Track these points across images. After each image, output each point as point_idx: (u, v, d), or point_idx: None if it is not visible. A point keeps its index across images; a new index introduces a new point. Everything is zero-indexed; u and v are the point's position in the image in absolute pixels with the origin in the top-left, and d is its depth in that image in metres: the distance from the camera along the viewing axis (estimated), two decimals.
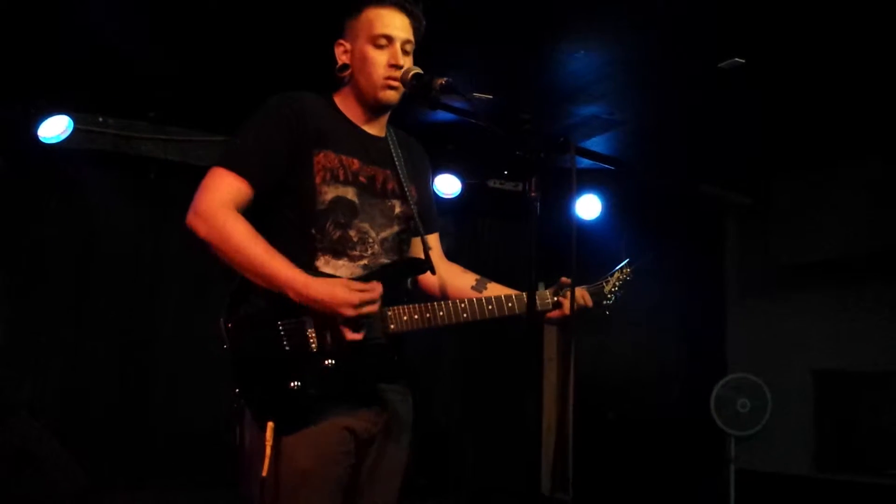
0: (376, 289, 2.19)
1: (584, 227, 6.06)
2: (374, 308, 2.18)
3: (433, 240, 2.59)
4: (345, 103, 2.42)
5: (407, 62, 2.35)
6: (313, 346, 2.19)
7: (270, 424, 2.11)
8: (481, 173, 6.14)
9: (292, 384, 2.17)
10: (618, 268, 2.59)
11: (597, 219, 6.17)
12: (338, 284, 2.17)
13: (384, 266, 2.34)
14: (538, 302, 2.39)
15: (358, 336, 2.17)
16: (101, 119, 5.12)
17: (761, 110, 4.89)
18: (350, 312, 2.14)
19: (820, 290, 6.03)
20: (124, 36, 4.09)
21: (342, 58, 2.40)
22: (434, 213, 2.64)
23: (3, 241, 5.02)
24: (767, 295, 6.42)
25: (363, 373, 2.24)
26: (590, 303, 2.52)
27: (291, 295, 2.14)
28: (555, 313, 2.44)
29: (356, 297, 2.14)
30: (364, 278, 2.27)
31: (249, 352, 2.19)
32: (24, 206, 5.09)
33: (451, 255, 2.66)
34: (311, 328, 2.20)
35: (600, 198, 6.16)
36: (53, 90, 4.75)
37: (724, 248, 6.83)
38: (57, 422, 4.79)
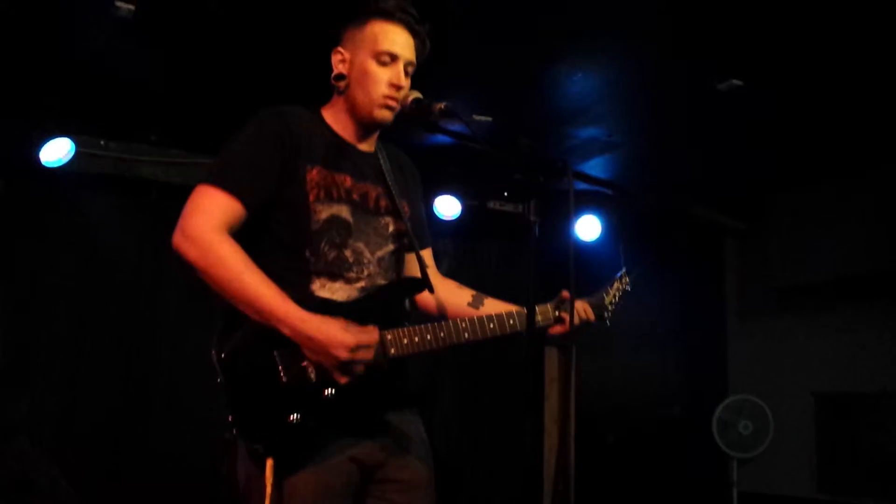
0: (373, 334, 2.09)
1: (583, 248, 6.06)
2: (368, 355, 2.06)
3: (426, 255, 2.51)
4: (335, 118, 2.34)
5: (407, 83, 2.29)
6: (312, 375, 2.08)
7: (270, 462, 2.01)
8: (481, 194, 6.15)
9: (291, 417, 2.04)
10: (616, 276, 2.56)
11: (597, 239, 6.18)
12: (334, 324, 2.04)
13: (382, 287, 2.26)
14: (539, 317, 2.35)
15: (345, 380, 2.05)
16: (102, 142, 5.12)
17: (759, 131, 4.91)
18: (344, 355, 2.01)
19: (820, 311, 6.01)
20: (125, 59, 4.11)
21: (339, 67, 2.31)
22: (426, 227, 2.56)
23: (4, 263, 5.01)
24: (768, 316, 6.40)
25: (365, 401, 2.13)
26: (592, 315, 2.47)
27: (285, 331, 2.02)
28: (557, 328, 2.40)
29: (352, 340, 2.03)
30: (362, 300, 2.20)
31: (244, 383, 2.06)
32: (25, 229, 5.09)
33: (451, 276, 2.61)
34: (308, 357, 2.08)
35: (600, 219, 6.17)
36: (55, 113, 4.76)
37: (723, 269, 6.82)
38: (54, 442, 4.78)
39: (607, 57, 4.08)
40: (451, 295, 2.49)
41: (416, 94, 2.25)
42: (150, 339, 5.30)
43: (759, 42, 3.78)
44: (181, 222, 2.09)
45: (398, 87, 2.25)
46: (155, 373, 5.26)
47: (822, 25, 3.59)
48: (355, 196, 2.28)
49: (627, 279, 2.58)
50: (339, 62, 2.32)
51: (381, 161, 2.39)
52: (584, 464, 6.62)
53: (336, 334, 2.02)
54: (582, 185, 2.40)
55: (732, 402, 6.19)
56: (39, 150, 4.71)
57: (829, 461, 5.86)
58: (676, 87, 4.36)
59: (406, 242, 2.39)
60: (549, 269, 2.21)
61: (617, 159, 5.54)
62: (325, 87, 2.37)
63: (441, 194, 5.64)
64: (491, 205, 6.29)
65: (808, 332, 6.08)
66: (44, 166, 4.76)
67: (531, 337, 2.07)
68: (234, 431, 2.07)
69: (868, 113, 4.54)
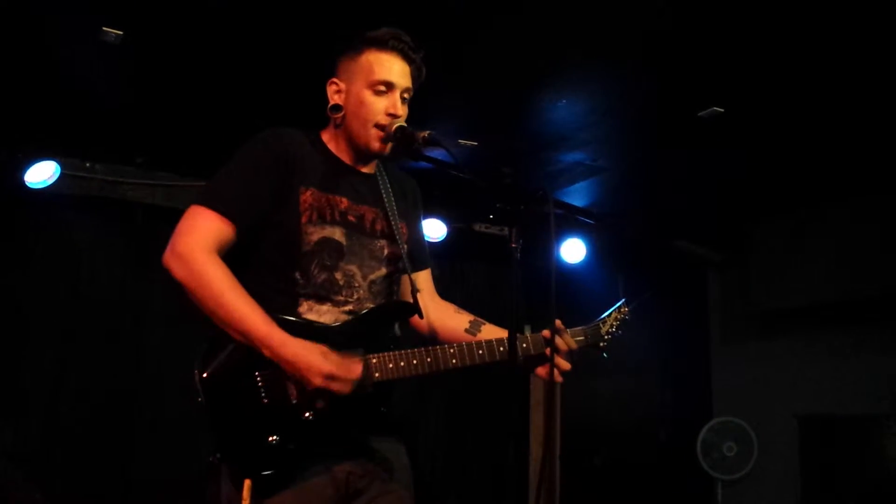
0: (355, 367, 2.08)
1: (569, 271, 6.09)
2: (344, 388, 2.06)
3: (425, 276, 2.52)
4: (333, 141, 2.35)
5: (404, 111, 2.29)
6: (293, 397, 2.09)
7: (248, 483, 2.01)
8: (467, 217, 6.17)
9: (270, 438, 2.06)
10: (615, 307, 2.55)
11: (582, 262, 6.21)
12: (315, 351, 2.06)
13: (370, 311, 2.26)
14: (531, 346, 2.34)
15: (320, 405, 2.07)
16: (88, 164, 5.12)
17: (741, 158, 4.95)
18: (317, 381, 2.03)
19: (802, 335, 6.07)
20: (111, 82, 4.12)
21: (335, 98, 2.31)
22: (425, 248, 2.57)
23: None
24: (751, 340, 6.45)
25: (347, 424, 2.13)
26: (587, 346, 2.45)
27: (265, 352, 2.04)
28: (540, 370, 2.38)
29: (328, 368, 2.04)
30: (348, 324, 2.20)
31: (225, 404, 2.08)
32: (9, 251, 5.07)
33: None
34: (290, 379, 2.09)
35: (585, 242, 6.21)
36: (40, 135, 4.76)
37: (706, 293, 6.87)
38: (37, 464, 4.74)
39: (590, 84, 4.12)
40: (447, 319, 2.49)
41: (401, 122, 2.26)
42: (134, 361, 5.26)
43: (739, 71, 3.84)
44: (172, 241, 2.12)
45: (395, 116, 2.26)
46: (139, 395, 5.23)
47: (804, 54, 3.65)
48: (351, 218, 2.28)
49: (626, 309, 2.56)
50: (334, 93, 2.32)
51: (381, 183, 2.39)
52: (570, 486, 6.61)
53: (313, 361, 2.04)
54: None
55: (716, 424, 6.21)
56: (25, 172, 4.70)
57: (813, 483, 5.88)
58: (658, 114, 4.41)
59: (401, 266, 2.39)
60: (535, 290, 2.22)
61: (601, 183, 5.58)
62: (317, 111, 2.38)
63: (427, 217, 5.66)
64: (477, 227, 6.32)
65: (791, 355, 6.13)
66: (29, 188, 4.75)
67: (514, 364, 2.08)
68: (219, 455, 2.08)
69: (848, 141, 4.59)
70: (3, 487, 4.16)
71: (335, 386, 2.05)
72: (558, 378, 2.32)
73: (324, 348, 2.08)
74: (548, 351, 2.29)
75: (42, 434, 4.98)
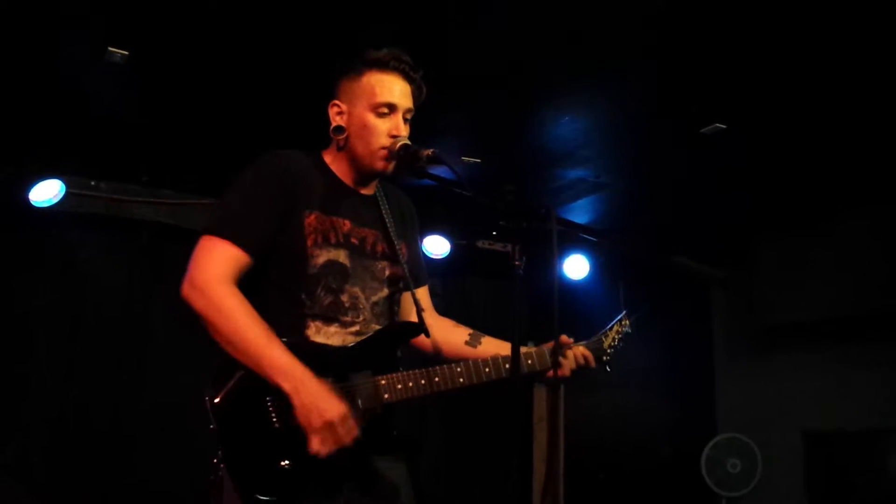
0: (352, 432, 2.06)
1: (572, 287, 6.09)
2: (332, 450, 2.04)
3: (423, 293, 2.53)
4: (335, 163, 2.35)
5: (406, 132, 2.30)
6: None
7: None
8: (470, 234, 6.18)
9: (283, 462, 2.07)
10: (616, 320, 2.55)
11: (585, 278, 6.21)
12: (331, 409, 2.03)
13: (376, 332, 2.28)
14: (537, 362, 2.34)
15: (308, 454, 2.04)
16: (93, 183, 5.12)
17: (744, 174, 4.97)
18: (315, 444, 2.02)
19: (807, 351, 6.05)
20: (117, 101, 4.15)
21: (337, 119, 2.32)
22: (423, 265, 2.59)
23: None
24: (755, 355, 6.43)
25: (356, 447, 2.11)
26: (592, 362, 2.45)
27: (284, 387, 2.03)
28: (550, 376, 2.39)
29: (331, 438, 2.02)
30: (356, 347, 2.22)
31: (237, 429, 2.08)
32: (14, 269, 5.08)
33: (442, 315, 2.61)
34: None
35: (588, 258, 6.21)
36: (46, 154, 4.78)
37: (711, 308, 6.86)
38: (41, 478, 4.74)
39: (593, 101, 4.14)
40: (448, 334, 2.50)
41: (405, 140, 2.27)
42: (138, 378, 5.26)
43: (743, 86, 3.85)
44: (189, 273, 2.12)
45: (398, 138, 2.27)
46: (143, 412, 5.22)
47: (806, 69, 3.66)
48: (354, 240, 2.30)
49: (627, 322, 2.56)
50: (336, 115, 2.33)
51: (381, 204, 2.41)
52: (573, 503, 6.58)
53: (318, 421, 2.02)
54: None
55: (721, 441, 6.19)
56: (30, 191, 4.71)
57: (818, 499, 5.86)
58: (661, 131, 4.42)
59: (402, 286, 2.40)
60: (538, 307, 2.23)
61: (605, 200, 5.60)
62: (319, 130, 2.39)
63: (430, 234, 5.67)
64: (480, 244, 6.33)
65: (796, 370, 6.11)
66: (34, 206, 4.76)
67: (516, 381, 2.09)
68: (220, 474, 2.08)
69: (852, 156, 4.60)
70: (6, 502, 4.16)
71: (326, 451, 2.04)
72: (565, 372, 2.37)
73: (343, 410, 2.05)
74: (563, 360, 2.32)
75: (45, 449, 4.98)
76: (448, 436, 6.33)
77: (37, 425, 4.98)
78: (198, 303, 2.09)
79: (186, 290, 2.10)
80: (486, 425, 6.31)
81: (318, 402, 2.03)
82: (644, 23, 3.35)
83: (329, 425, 2.02)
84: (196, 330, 2.14)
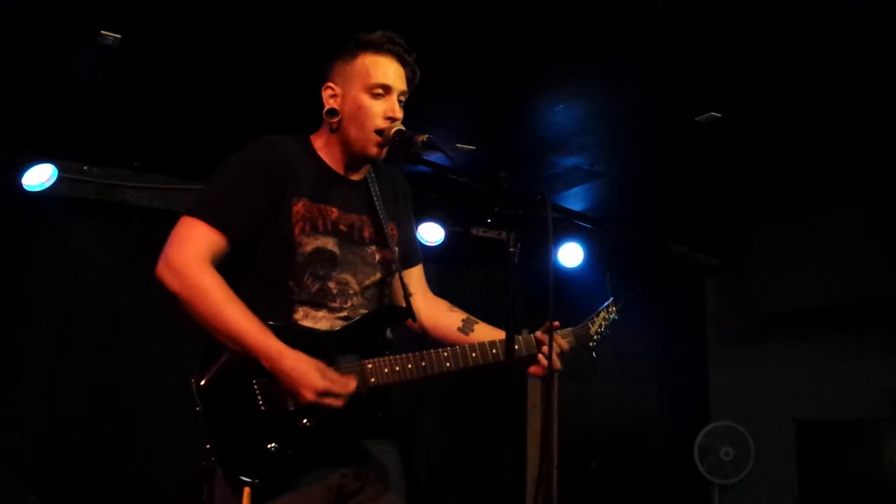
0: (348, 385, 2.09)
1: (566, 275, 6.09)
2: (337, 402, 2.07)
3: (416, 273, 2.53)
4: (325, 148, 2.33)
5: (401, 114, 2.28)
6: (291, 405, 2.10)
7: (247, 490, 2.03)
8: (464, 221, 6.17)
9: (269, 445, 2.08)
10: (603, 307, 2.55)
11: (580, 266, 6.21)
12: (312, 366, 2.06)
13: (364, 316, 2.28)
14: (524, 347, 2.34)
15: (307, 423, 2.09)
16: (85, 167, 5.11)
17: (739, 162, 4.96)
18: (309, 397, 2.04)
19: (801, 339, 6.07)
20: (109, 85, 4.13)
21: (330, 102, 2.29)
22: (416, 245, 2.58)
23: None
24: (749, 344, 6.45)
25: (344, 430, 2.14)
26: (576, 345, 2.45)
27: (263, 362, 2.05)
28: (535, 368, 2.37)
29: (322, 385, 2.04)
30: (344, 330, 2.22)
31: (223, 412, 2.09)
32: (6, 254, 5.07)
33: None
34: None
35: (583, 246, 6.21)
36: (38, 138, 4.76)
37: (704, 297, 6.87)
38: (32, 469, 4.74)
39: (587, 89, 4.13)
40: (441, 317, 2.51)
41: (399, 126, 2.25)
42: (130, 363, 5.26)
43: (736, 75, 3.85)
44: (164, 253, 2.11)
45: (393, 119, 2.25)
46: (135, 398, 5.22)
47: (802, 58, 3.66)
48: (342, 227, 2.29)
49: (614, 308, 2.56)
50: (330, 97, 2.31)
51: (371, 188, 2.39)
52: (567, 490, 6.61)
53: (310, 376, 2.05)
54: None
55: (714, 429, 6.21)
56: (22, 175, 4.70)
57: (811, 487, 5.88)
58: (656, 120, 4.41)
59: (394, 269, 2.40)
60: (532, 294, 2.23)
61: (600, 188, 5.59)
62: (310, 114, 2.37)
63: (425, 221, 5.67)
64: (474, 231, 6.32)
65: (789, 359, 6.13)
66: (26, 190, 4.75)
67: (510, 367, 2.09)
68: (213, 459, 2.09)
69: (848, 144, 4.59)
70: None
71: (327, 401, 2.06)
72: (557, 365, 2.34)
73: (321, 364, 2.09)
74: (544, 349, 2.28)
75: (37, 437, 4.97)
76: (442, 423, 6.34)
77: (28, 411, 4.98)
78: (173, 283, 2.08)
79: (161, 269, 2.10)
80: (480, 412, 6.33)
81: (299, 364, 2.05)
82: (639, 11, 3.34)
83: (316, 378, 2.04)
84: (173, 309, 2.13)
